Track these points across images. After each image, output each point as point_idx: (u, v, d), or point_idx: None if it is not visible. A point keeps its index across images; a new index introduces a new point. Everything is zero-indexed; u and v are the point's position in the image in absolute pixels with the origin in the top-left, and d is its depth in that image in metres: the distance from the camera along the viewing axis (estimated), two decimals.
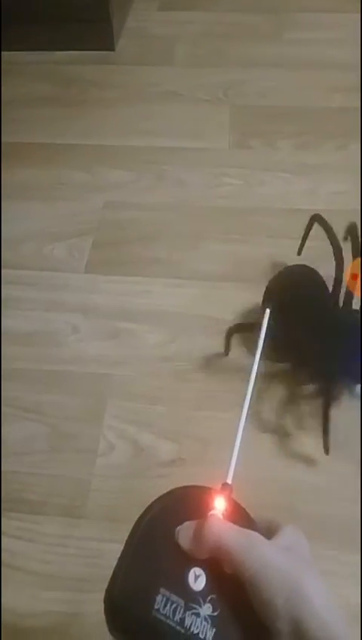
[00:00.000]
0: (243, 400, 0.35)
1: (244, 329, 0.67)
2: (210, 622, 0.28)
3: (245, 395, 0.36)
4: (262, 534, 0.29)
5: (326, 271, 0.66)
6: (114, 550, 0.28)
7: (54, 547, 0.57)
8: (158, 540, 0.30)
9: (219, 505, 0.31)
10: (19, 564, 0.56)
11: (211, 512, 0.30)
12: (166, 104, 1.08)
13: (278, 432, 0.64)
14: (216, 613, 0.28)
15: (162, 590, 0.28)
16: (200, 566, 0.29)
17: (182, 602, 0.28)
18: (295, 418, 0.65)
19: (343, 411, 0.64)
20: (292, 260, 0.74)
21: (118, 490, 0.60)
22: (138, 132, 1.02)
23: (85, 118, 1.06)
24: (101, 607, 0.27)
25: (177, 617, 0.27)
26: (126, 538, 0.29)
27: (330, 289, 0.65)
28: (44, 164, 0.96)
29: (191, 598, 0.28)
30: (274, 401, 0.66)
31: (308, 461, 0.62)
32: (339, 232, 0.67)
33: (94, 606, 0.51)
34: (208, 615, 0.28)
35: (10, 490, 0.61)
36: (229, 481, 0.33)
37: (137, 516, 0.30)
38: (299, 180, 0.92)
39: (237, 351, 0.70)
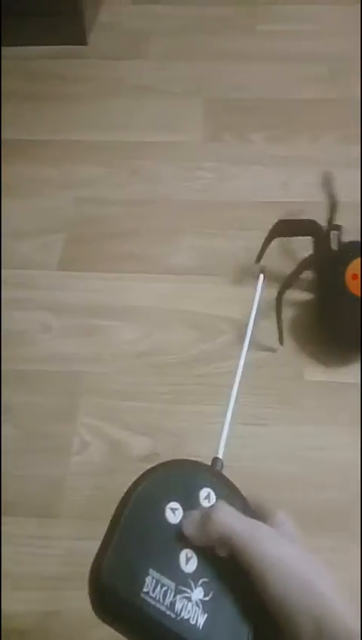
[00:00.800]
0: (235, 370, 0.34)
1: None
2: (201, 607, 0.26)
3: (238, 364, 0.35)
4: (254, 513, 0.29)
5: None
6: (91, 548, 0.27)
7: (30, 547, 0.56)
8: (147, 517, 0.28)
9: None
10: None
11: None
12: (139, 98, 1.07)
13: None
14: (207, 598, 0.26)
15: (151, 571, 0.26)
16: (191, 547, 0.27)
17: (172, 585, 0.26)
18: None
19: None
20: (268, 254, 0.75)
21: (94, 487, 0.60)
22: (110, 127, 1.01)
23: (56, 113, 1.04)
24: (81, 604, 0.26)
25: (167, 601, 0.25)
26: (103, 535, 0.27)
27: None
28: (13, 160, 0.95)
29: (183, 581, 0.26)
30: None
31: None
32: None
33: (74, 603, 0.51)
34: (200, 600, 0.26)
35: None
36: (220, 455, 0.32)
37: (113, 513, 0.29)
38: (272, 172, 0.92)
39: (211, 344, 0.70)
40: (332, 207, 0.74)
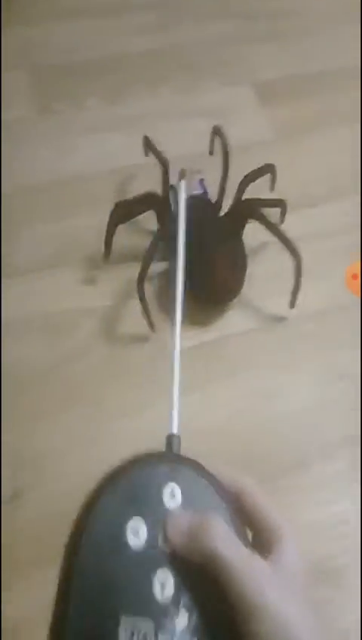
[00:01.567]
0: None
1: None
2: (188, 633, 0.23)
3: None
4: (225, 490, 0.26)
5: None
6: None
7: None
8: (104, 552, 0.23)
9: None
10: None
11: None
12: None
13: None
14: (193, 618, 0.23)
15: (123, 619, 0.22)
16: (163, 565, 0.24)
17: (151, 624, 0.22)
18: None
19: None
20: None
21: None
22: None
23: None
24: None
25: None
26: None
27: None
28: None
29: (163, 613, 0.23)
30: None
31: None
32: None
33: None
34: (185, 627, 0.23)
35: None
36: (175, 430, 0.27)
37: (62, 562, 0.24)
38: (115, 136, 0.84)
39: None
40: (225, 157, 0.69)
